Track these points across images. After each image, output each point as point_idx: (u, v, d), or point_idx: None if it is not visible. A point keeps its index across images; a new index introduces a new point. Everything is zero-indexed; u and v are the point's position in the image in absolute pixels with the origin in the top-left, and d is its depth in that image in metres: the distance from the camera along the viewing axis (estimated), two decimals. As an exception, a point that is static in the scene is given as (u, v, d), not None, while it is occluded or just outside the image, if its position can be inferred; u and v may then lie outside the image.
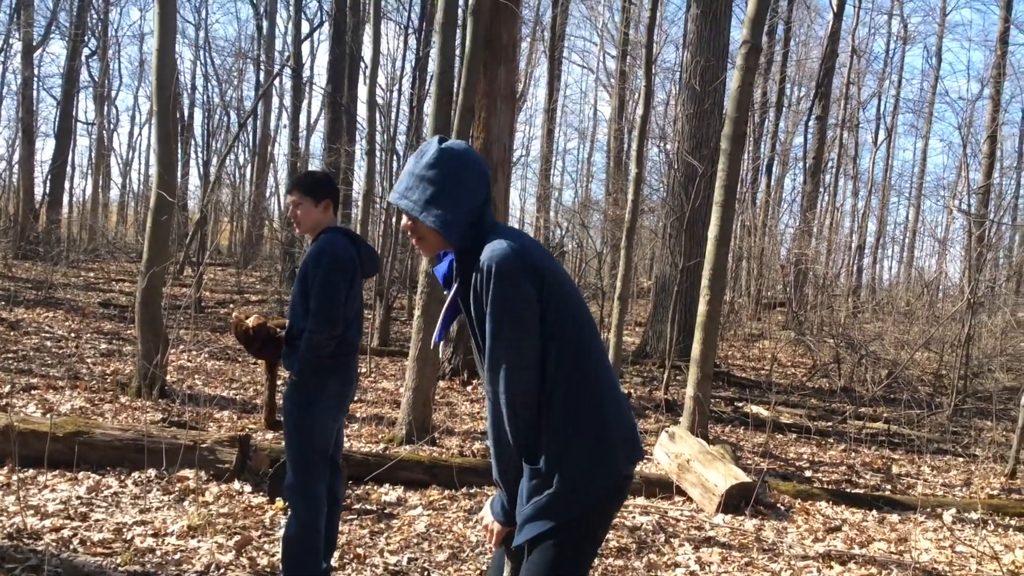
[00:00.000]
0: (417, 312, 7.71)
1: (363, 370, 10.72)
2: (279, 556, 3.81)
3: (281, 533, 3.80)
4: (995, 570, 5.16)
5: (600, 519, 2.28)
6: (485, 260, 2.18)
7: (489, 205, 2.35)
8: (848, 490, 7.04)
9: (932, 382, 12.88)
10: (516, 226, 2.40)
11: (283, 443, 3.83)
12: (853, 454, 8.57)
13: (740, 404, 10.58)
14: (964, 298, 12.39)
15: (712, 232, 8.03)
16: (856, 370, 12.82)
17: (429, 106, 8.41)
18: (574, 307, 2.26)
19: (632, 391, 10.75)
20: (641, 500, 6.24)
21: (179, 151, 22.62)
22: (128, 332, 11.57)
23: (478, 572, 4.50)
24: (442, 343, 2.42)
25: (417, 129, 20.36)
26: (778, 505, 6.32)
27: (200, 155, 27.74)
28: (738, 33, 9.66)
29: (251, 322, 3.93)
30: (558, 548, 2.19)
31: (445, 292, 2.41)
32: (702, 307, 8.02)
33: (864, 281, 29.14)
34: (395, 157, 18.14)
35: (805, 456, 8.33)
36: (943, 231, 31.31)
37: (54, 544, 4.37)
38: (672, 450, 6.80)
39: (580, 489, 2.20)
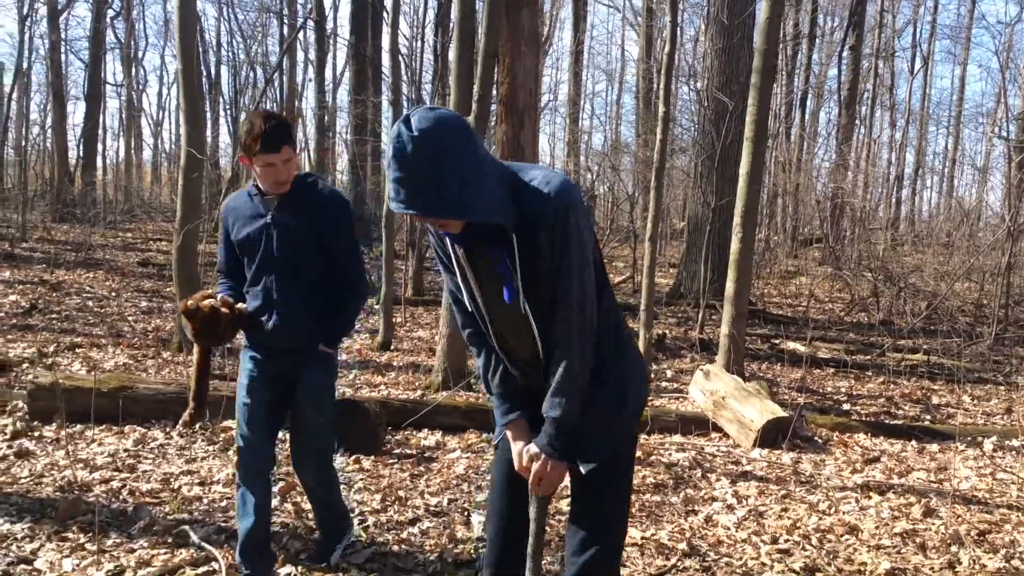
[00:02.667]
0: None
1: (398, 319, 10.81)
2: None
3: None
4: (1036, 496, 5.14)
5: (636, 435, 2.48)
6: (556, 195, 2.10)
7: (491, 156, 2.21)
8: (887, 422, 7.01)
9: (972, 312, 12.70)
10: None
11: (308, 415, 3.57)
12: (892, 386, 8.51)
13: (776, 341, 10.53)
14: (1004, 226, 12.15)
15: (743, 168, 7.91)
16: (895, 303, 12.67)
17: (452, 53, 8.31)
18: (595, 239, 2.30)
19: (667, 331, 10.73)
20: (677, 437, 6.27)
21: (207, 109, 22.68)
22: (167, 290, 11.74)
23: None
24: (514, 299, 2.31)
25: (442, 77, 20.17)
26: (815, 438, 6.32)
27: (228, 112, 27.81)
28: (766, -38, 9.39)
29: (214, 306, 3.29)
30: (628, 461, 2.38)
31: (454, 247, 2.27)
32: (735, 244, 7.95)
33: (903, 213, 28.70)
34: (421, 106, 18.03)
35: (843, 390, 8.30)
36: (983, 159, 30.62)
37: (104, 495, 4.51)
38: (707, 387, 6.80)
39: (641, 404, 2.38)
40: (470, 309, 2.35)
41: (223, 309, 3.29)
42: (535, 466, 2.29)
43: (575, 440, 2.28)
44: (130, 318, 9.92)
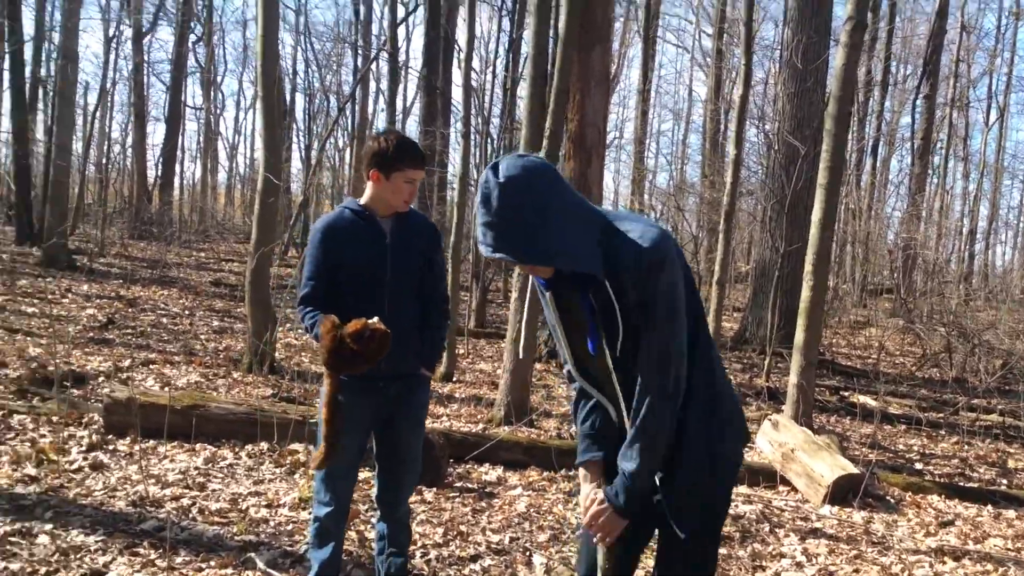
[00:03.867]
0: (514, 294, 7.74)
1: (461, 351, 10.85)
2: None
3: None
4: (1124, 572, 4.90)
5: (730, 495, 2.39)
6: (650, 252, 2.09)
7: (587, 202, 2.20)
8: (961, 484, 6.78)
9: (1051, 373, 12.27)
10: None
11: (411, 443, 3.53)
12: (966, 447, 8.25)
13: (846, 393, 10.30)
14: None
15: (816, 215, 7.81)
16: (968, 360, 12.32)
17: (522, 88, 8.39)
18: (693, 288, 2.26)
19: (732, 377, 10.58)
20: (744, 488, 6.15)
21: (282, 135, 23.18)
22: (238, 310, 11.98)
23: (578, 554, 4.51)
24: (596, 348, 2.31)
25: (511, 111, 20.36)
26: (887, 497, 6.14)
27: (302, 139, 28.40)
28: (841, 9, 9.35)
29: (377, 328, 3.10)
30: (715, 526, 2.32)
31: (541, 289, 2.29)
32: (805, 292, 7.82)
33: (976, 267, 27.97)
34: (489, 140, 18.20)
35: (915, 448, 8.07)
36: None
37: (175, 512, 4.58)
38: (776, 439, 6.67)
39: (732, 469, 2.31)
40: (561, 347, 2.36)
41: (379, 327, 3.09)
42: (594, 508, 2.29)
43: (642, 499, 2.26)
44: (202, 336, 10.13)
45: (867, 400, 9.73)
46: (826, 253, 7.87)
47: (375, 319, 3.10)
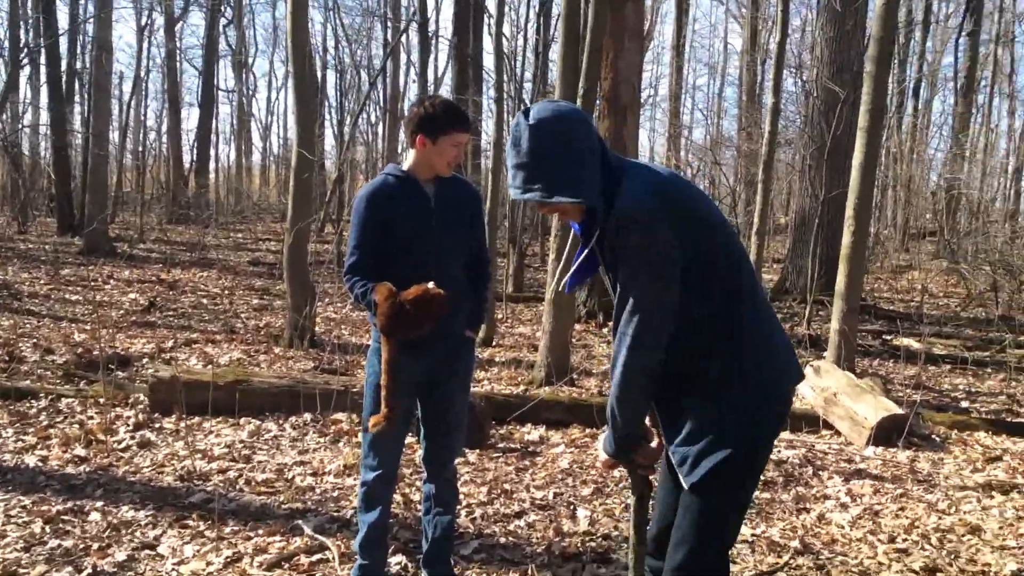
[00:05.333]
0: (551, 257, 7.73)
1: (499, 316, 10.88)
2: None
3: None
4: None
5: (765, 450, 2.28)
6: (619, 210, 2.11)
7: (605, 146, 2.24)
8: (1008, 419, 6.68)
9: (1101, 307, 11.99)
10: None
11: (458, 404, 3.50)
12: (1013, 383, 8.11)
13: (888, 337, 10.16)
14: None
15: (857, 159, 7.67)
16: (1015, 297, 12.08)
17: (555, 50, 8.33)
18: (723, 238, 2.22)
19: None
20: (786, 435, 6.12)
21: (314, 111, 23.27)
22: (277, 288, 12.12)
23: (623, 505, 4.53)
24: (575, 288, 2.35)
25: (543, 75, 20.22)
26: (933, 437, 6.07)
27: (334, 115, 28.52)
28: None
29: (428, 290, 3.12)
30: (728, 481, 2.18)
31: (580, 241, 2.32)
32: (847, 238, 7.71)
33: (1022, 206, 27.31)
34: (522, 105, 18.11)
35: (961, 387, 7.95)
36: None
37: (222, 484, 4.68)
38: (818, 384, 6.61)
39: (750, 421, 2.20)
40: None
41: (439, 292, 3.11)
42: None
43: (624, 442, 2.28)
44: (242, 315, 10.28)
45: (910, 342, 9.59)
46: (868, 198, 7.74)
47: (431, 283, 3.11)
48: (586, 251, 2.24)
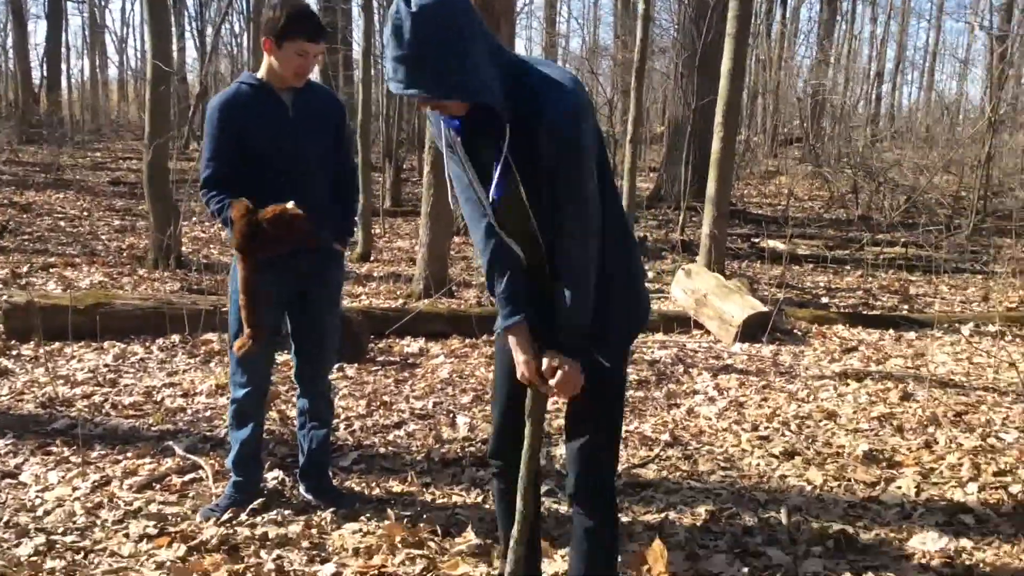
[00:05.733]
0: (427, 168, 7.61)
1: (376, 231, 10.73)
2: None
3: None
4: (1012, 378, 5.22)
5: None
6: (559, 104, 2.01)
7: (497, 41, 2.10)
8: (865, 313, 7.07)
9: (951, 205, 12.74)
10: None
11: (327, 318, 3.44)
12: (870, 279, 8.58)
13: (756, 240, 10.55)
14: (985, 118, 12.09)
15: (725, 67, 7.79)
16: (874, 198, 12.69)
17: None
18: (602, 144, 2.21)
19: (648, 234, 10.72)
20: (659, 336, 6.31)
21: (172, 22, 22.00)
22: (140, 208, 11.56)
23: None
24: (502, 198, 2.22)
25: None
26: (795, 331, 6.38)
27: (195, 25, 27.03)
28: None
29: (291, 211, 3.02)
30: (622, 370, 2.31)
31: (452, 135, 2.19)
32: (716, 144, 7.88)
33: (883, 110, 28.50)
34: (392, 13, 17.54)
35: (822, 284, 8.36)
36: (964, 52, 30.31)
37: (87, 409, 4.50)
38: (689, 286, 6.82)
39: (643, 313, 2.32)
40: (476, 199, 2.27)
41: (298, 212, 3.00)
42: (560, 373, 2.17)
43: (587, 338, 2.20)
44: (103, 237, 9.80)
45: (777, 244, 9.98)
46: (736, 104, 7.89)
47: (291, 203, 2.99)
48: (502, 158, 2.10)
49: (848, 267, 9.18)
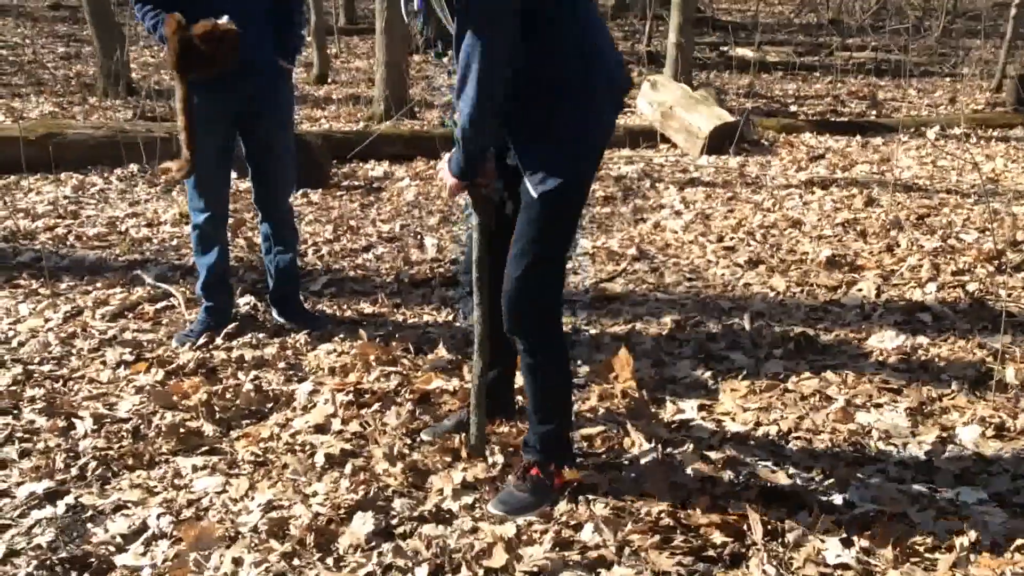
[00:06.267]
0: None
1: (333, 51, 10.36)
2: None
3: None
4: (976, 179, 5.28)
5: (591, 169, 2.27)
6: None
7: None
8: (832, 120, 7.05)
9: (922, 6, 12.46)
10: None
11: (280, 138, 3.36)
12: (839, 85, 8.49)
13: (725, 48, 10.32)
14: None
15: None
16: (844, 1, 12.36)
17: None
18: None
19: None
20: (625, 151, 6.27)
21: None
22: (84, 34, 11.02)
23: (468, 231, 4.60)
24: (409, 16, 2.15)
25: None
26: (762, 142, 6.36)
27: None
28: None
29: (223, 26, 2.90)
30: (560, 201, 2.18)
31: None
32: (681, -56, 7.55)
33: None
34: None
35: (791, 92, 8.27)
36: None
37: (50, 242, 4.45)
38: (655, 99, 6.71)
39: (580, 142, 2.18)
40: None
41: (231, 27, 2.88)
42: (437, 170, 2.28)
43: (467, 165, 2.19)
44: (49, 65, 9.38)
45: (746, 52, 9.79)
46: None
47: (224, 18, 2.86)
48: None
49: (817, 73, 9.05)
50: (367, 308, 3.71)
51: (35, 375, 3.08)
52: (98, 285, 3.91)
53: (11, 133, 5.51)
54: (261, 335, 3.40)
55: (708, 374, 2.99)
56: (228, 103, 3.16)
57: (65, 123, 6.14)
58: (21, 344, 3.34)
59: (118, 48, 7.69)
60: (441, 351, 3.18)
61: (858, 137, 6.43)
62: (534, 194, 2.17)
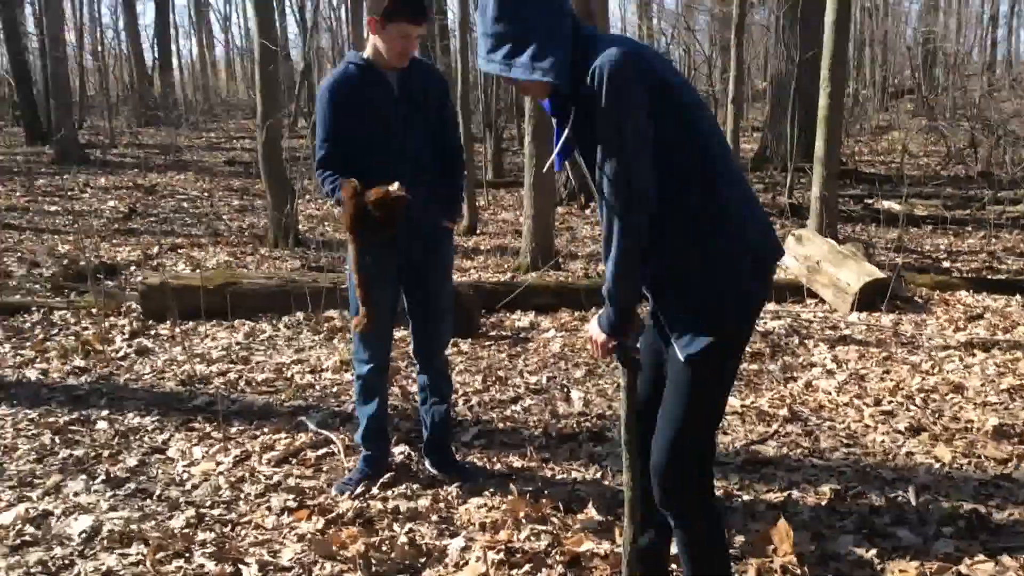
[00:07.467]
0: (528, 139, 7.65)
1: (481, 203, 10.85)
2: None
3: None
4: None
5: (748, 328, 2.26)
6: (596, 66, 2.02)
7: (578, 21, 2.14)
8: (989, 277, 6.82)
9: (1079, 157, 12.06)
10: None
11: (441, 294, 3.53)
12: (993, 240, 8.23)
13: (870, 201, 10.23)
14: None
15: (829, 17, 7.53)
16: (994, 153, 12.10)
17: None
18: (695, 115, 2.16)
19: (754, 197, 10.51)
20: (772, 306, 6.22)
21: None
22: (256, 187, 11.99)
23: (615, 385, 4.64)
24: (563, 166, 2.29)
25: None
26: (915, 299, 6.20)
27: (294, 1, 27.54)
28: None
29: (396, 192, 3.08)
30: (721, 352, 2.15)
31: (553, 120, 2.24)
32: (823, 100, 7.64)
33: (999, 56, 27.02)
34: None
35: (942, 247, 8.07)
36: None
37: (223, 386, 4.76)
38: (800, 252, 6.69)
39: (731, 298, 2.17)
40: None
41: (401, 194, 3.07)
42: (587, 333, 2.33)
43: (618, 321, 2.23)
44: (225, 216, 10.22)
45: (892, 205, 9.67)
46: (842, 56, 7.64)
47: (395, 185, 3.08)
48: (565, 131, 2.17)
49: (969, 228, 8.83)
50: (516, 461, 3.76)
51: (206, 518, 3.25)
52: (265, 430, 4.13)
53: (193, 283, 6.00)
54: (415, 486, 3.50)
55: (873, 552, 2.86)
56: (394, 262, 3.39)
57: (240, 273, 6.64)
58: (194, 487, 3.55)
59: (288, 201, 8.32)
60: (591, 511, 3.19)
61: (1018, 297, 6.18)
62: (681, 357, 2.17)
